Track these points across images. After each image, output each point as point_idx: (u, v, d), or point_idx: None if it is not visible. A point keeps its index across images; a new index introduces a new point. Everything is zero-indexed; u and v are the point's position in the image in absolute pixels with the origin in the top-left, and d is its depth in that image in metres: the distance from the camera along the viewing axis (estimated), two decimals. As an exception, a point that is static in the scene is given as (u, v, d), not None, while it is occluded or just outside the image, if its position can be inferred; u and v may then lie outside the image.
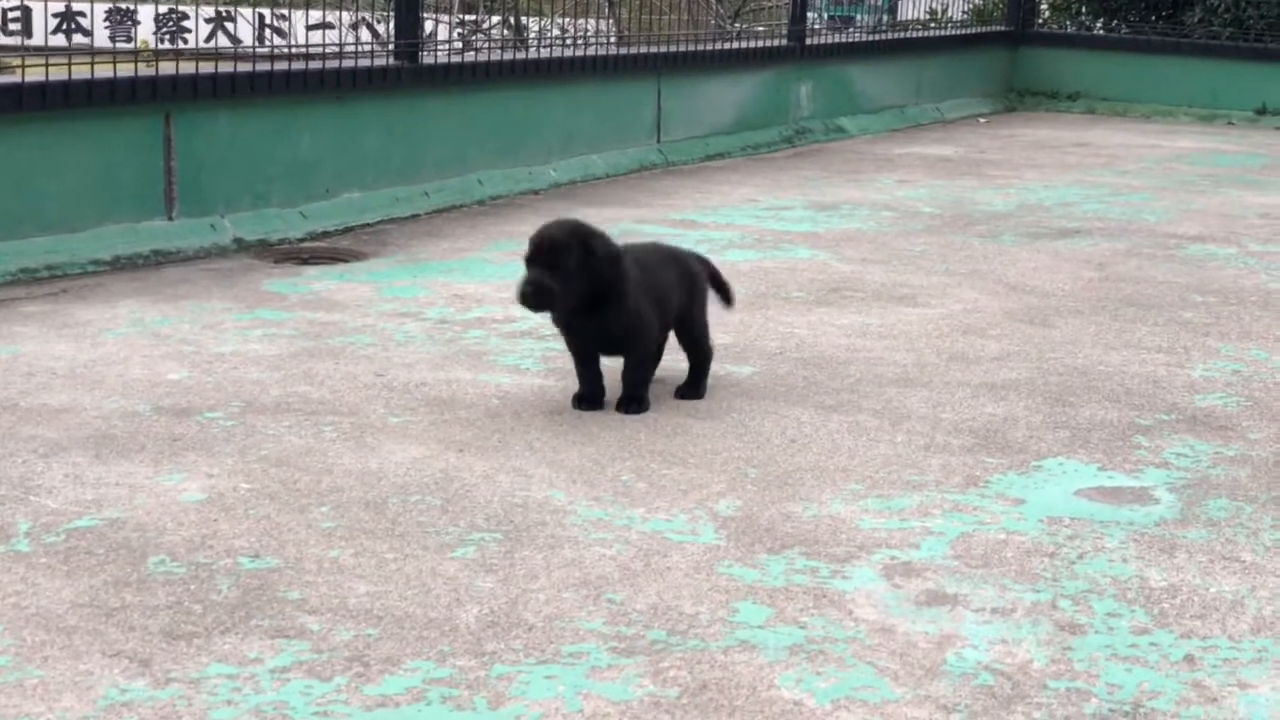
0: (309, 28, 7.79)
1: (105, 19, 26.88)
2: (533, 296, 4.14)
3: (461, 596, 3.08)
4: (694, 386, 4.53)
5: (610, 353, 4.40)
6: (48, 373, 4.60)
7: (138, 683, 2.68)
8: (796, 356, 5.02)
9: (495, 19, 13.72)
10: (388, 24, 8.47)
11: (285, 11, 10.67)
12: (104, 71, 6.45)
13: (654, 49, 9.85)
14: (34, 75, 6.16)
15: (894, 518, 3.59)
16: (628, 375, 4.37)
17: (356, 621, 2.96)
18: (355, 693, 2.67)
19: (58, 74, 6.27)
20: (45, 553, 3.24)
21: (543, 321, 5.36)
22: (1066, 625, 3.04)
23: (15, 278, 5.82)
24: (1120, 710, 2.71)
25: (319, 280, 6.10)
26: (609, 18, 13.70)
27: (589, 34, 10.40)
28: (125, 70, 6.54)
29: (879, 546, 3.41)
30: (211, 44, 7.86)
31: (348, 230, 7.17)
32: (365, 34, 10.26)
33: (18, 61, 6.35)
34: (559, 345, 5.06)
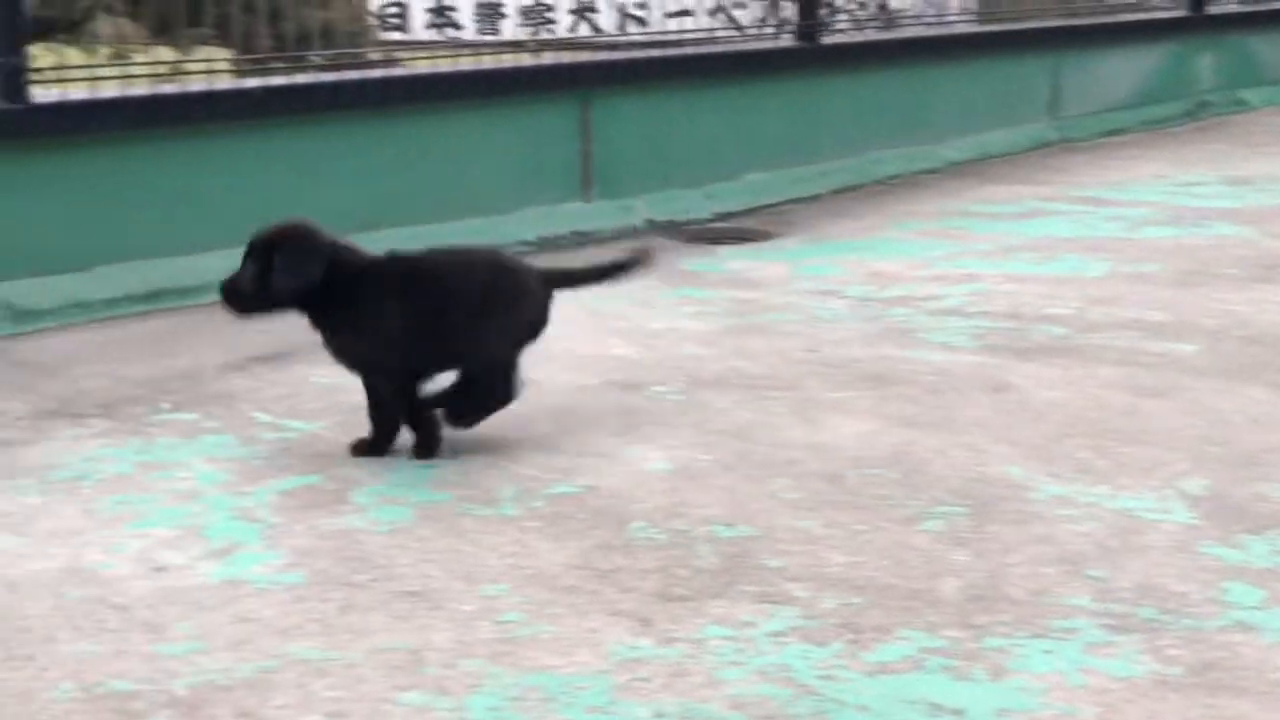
0: (667, 15, 7.89)
1: (475, 13, 27.90)
2: (222, 293, 3.79)
3: (938, 569, 3.10)
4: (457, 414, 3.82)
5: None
6: (499, 347, 4.80)
7: (643, 640, 2.78)
8: (1240, 335, 4.86)
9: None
10: (765, 6, 8.53)
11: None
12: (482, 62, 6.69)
13: (1048, 24, 9.66)
14: (440, 66, 6.43)
15: (1376, 500, 3.45)
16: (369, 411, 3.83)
17: (839, 590, 3.00)
18: (853, 659, 2.72)
19: (447, 65, 6.53)
20: (532, 517, 3.40)
21: (969, 299, 5.35)
22: None
23: (450, 258, 6.09)
24: None
25: (734, 259, 6.20)
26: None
27: (976, 10, 10.26)
28: (539, 59, 6.79)
29: (1365, 529, 3.28)
30: (618, 33, 8.07)
31: (752, 210, 7.27)
32: (744, 16, 10.32)
33: (417, 55, 6.63)
34: (988, 322, 5.04)
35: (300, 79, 6.03)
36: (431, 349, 3.77)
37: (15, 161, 5.10)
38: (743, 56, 7.57)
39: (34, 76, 5.18)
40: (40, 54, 5.58)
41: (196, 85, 5.76)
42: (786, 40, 7.95)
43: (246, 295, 3.74)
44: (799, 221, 7.05)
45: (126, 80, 5.58)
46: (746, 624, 2.86)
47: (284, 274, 3.69)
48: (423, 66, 6.21)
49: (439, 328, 3.74)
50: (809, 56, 7.85)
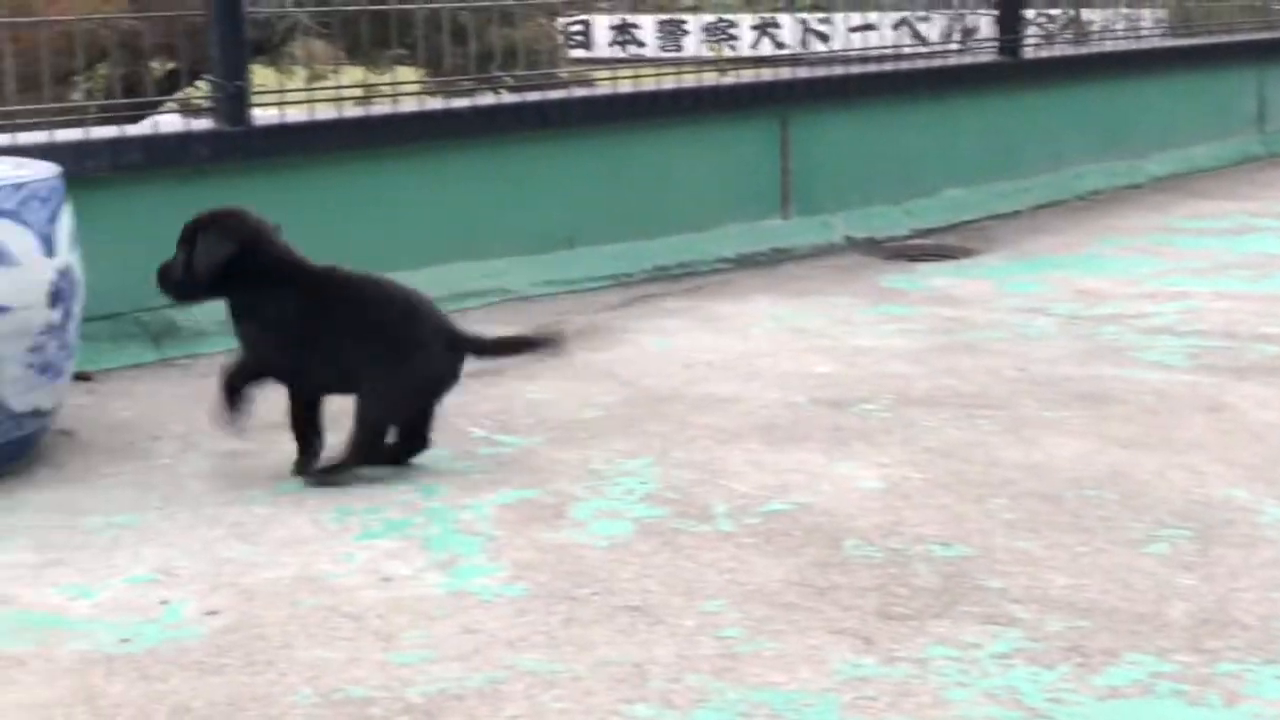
0: (851, 30, 7.86)
1: (657, 30, 28.08)
2: (156, 277, 3.84)
3: (1165, 592, 3.05)
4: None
5: None
6: (704, 364, 4.84)
7: (866, 659, 2.78)
8: None
9: (1058, 12, 13.47)
10: (941, 23, 8.45)
11: (827, 16, 10.86)
12: (681, 80, 6.72)
13: (1252, 36, 9.45)
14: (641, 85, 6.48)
15: None
16: None
17: (1064, 613, 2.97)
18: (1082, 682, 2.69)
19: (635, 84, 6.57)
20: (747, 533, 3.42)
21: (1181, 317, 5.26)
22: None
23: (652, 275, 6.15)
24: None
25: (935, 276, 6.16)
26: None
27: (1180, 22, 10.05)
28: (742, 77, 6.82)
29: None
30: (816, 49, 8.05)
31: (951, 227, 7.21)
32: (930, 31, 10.22)
33: (605, 74, 6.68)
34: (1202, 341, 4.95)
35: (507, 99, 6.13)
36: (319, 369, 3.79)
37: (235, 181, 5.26)
38: (943, 72, 7.53)
39: (254, 99, 5.34)
40: (258, 77, 5.75)
41: (405, 106, 5.88)
42: (986, 55, 7.87)
43: (173, 280, 3.81)
44: (1000, 238, 6.98)
45: (328, 102, 5.72)
46: (971, 645, 2.84)
47: (198, 255, 3.75)
48: (624, 85, 6.26)
49: (328, 351, 3.76)
50: (1009, 71, 7.78)
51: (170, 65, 11.56)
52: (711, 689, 2.68)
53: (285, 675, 2.76)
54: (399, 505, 3.64)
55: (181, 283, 3.81)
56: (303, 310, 3.77)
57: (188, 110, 8.95)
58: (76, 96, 11.56)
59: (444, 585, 3.17)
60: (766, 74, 6.87)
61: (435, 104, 6.02)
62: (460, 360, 3.85)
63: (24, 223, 3.71)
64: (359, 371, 3.75)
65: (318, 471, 3.81)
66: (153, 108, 6.67)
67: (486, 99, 6.29)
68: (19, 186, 3.72)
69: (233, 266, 3.75)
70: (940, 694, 2.65)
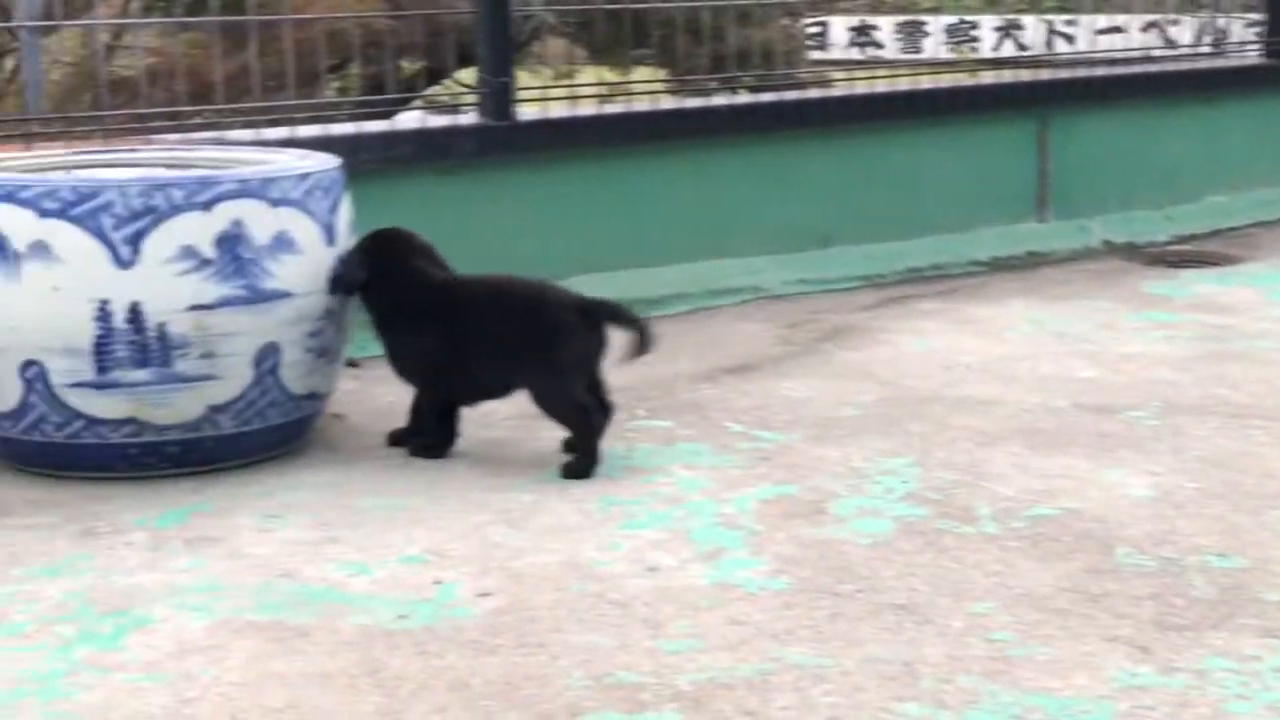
0: (1098, 32, 7.65)
1: (896, 31, 27.78)
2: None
3: None
4: (573, 460, 3.85)
5: None
6: (962, 367, 4.79)
7: (1143, 668, 2.73)
8: None
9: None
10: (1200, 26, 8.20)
11: (1073, 17, 10.61)
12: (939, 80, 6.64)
13: None
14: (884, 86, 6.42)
15: None
16: None
17: (1350, 629, 2.88)
18: (1372, 701, 2.60)
19: (896, 83, 6.50)
20: (1013, 537, 3.37)
21: None
22: None
23: (906, 276, 6.11)
24: None
25: (1199, 283, 6.00)
26: None
27: None
28: (1006, 77, 6.73)
29: None
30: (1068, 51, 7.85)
31: (1214, 233, 7.01)
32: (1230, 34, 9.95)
33: (844, 75, 6.63)
34: None
35: (766, 97, 6.14)
36: (467, 378, 3.91)
37: (499, 175, 5.38)
38: (1207, 74, 7.32)
39: (518, 96, 5.45)
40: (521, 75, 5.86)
41: (660, 104, 5.92)
42: (1251, 58, 7.64)
43: (332, 278, 3.91)
44: (1265, 245, 6.76)
45: (586, 99, 5.80)
46: (1251, 658, 2.77)
47: (341, 271, 3.90)
48: (881, 84, 6.22)
49: (474, 360, 3.87)
50: (1276, 75, 7.52)
51: (419, 65, 11.85)
52: (984, 691, 2.65)
53: (557, 658, 2.81)
54: (661, 497, 3.68)
55: (334, 282, 3.94)
56: (440, 327, 3.89)
57: (438, 107, 9.16)
58: (329, 93, 11.90)
59: (708, 576, 3.19)
60: (1025, 74, 6.76)
61: (693, 102, 6.06)
62: (601, 326, 3.89)
63: (308, 212, 3.84)
64: (516, 374, 3.85)
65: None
66: (403, 105, 6.85)
67: (744, 98, 6.31)
68: (304, 177, 3.86)
69: (374, 288, 3.94)
70: (1220, 706, 2.59)
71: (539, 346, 3.81)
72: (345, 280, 3.91)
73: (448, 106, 6.40)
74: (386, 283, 3.90)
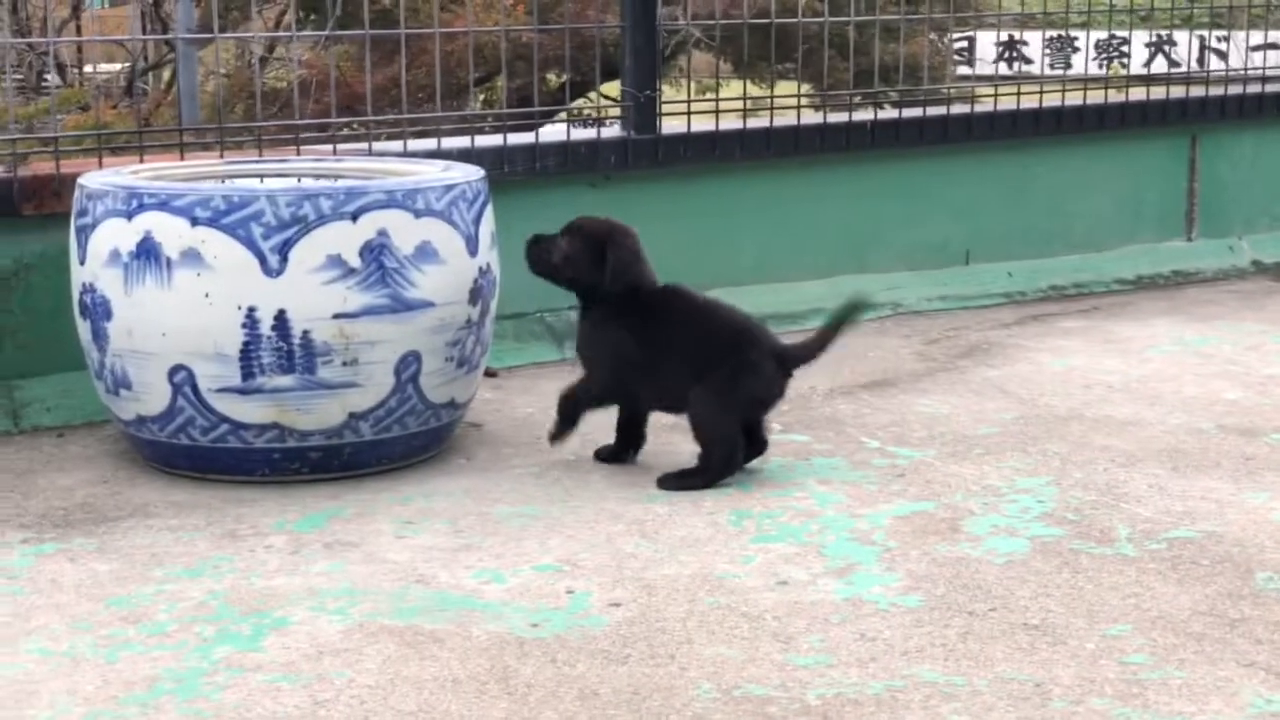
0: (1251, 49, 7.50)
1: (1045, 46, 27.49)
2: (529, 250, 4.00)
3: None
4: (681, 472, 3.89)
5: None
6: (1103, 386, 4.73)
7: (1279, 695, 2.68)
8: None
9: None
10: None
11: (1227, 33, 10.45)
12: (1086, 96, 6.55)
13: None
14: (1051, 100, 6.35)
15: None
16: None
17: None
18: None
19: (1052, 99, 6.42)
20: (1150, 558, 3.33)
21: None
22: None
23: (1047, 294, 6.05)
24: None
25: (1352, 305, 5.87)
26: None
27: None
28: (1155, 94, 6.64)
29: None
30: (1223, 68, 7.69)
31: (1368, 254, 6.85)
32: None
33: (993, 90, 6.55)
34: None
35: (908, 114, 6.11)
36: (654, 388, 3.91)
37: (642, 188, 5.42)
38: (1364, 91, 7.14)
39: (663, 109, 5.48)
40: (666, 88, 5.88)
41: (801, 118, 5.91)
42: None
43: (546, 261, 3.96)
44: None
45: (729, 113, 5.81)
46: (1395, 689, 2.71)
47: (615, 265, 3.88)
48: (1026, 100, 6.16)
49: (663, 372, 3.87)
50: None
51: (564, 77, 11.98)
52: (1115, 714, 2.62)
53: (686, 669, 2.83)
54: (794, 511, 3.68)
55: (553, 267, 3.97)
56: (642, 333, 3.90)
57: (583, 119, 9.23)
58: (475, 105, 12.07)
59: (840, 592, 3.19)
60: (1174, 90, 6.65)
61: (834, 117, 6.05)
62: (789, 377, 3.93)
63: (451, 222, 3.90)
64: (691, 393, 3.85)
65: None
66: (548, 118, 6.91)
67: (884, 113, 6.28)
68: (449, 189, 3.92)
69: (596, 277, 3.92)
70: (1363, 738, 2.54)
71: (724, 378, 3.84)
72: (620, 274, 3.90)
73: (593, 119, 6.44)
74: (614, 276, 3.90)
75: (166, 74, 14.58)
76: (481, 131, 5.39)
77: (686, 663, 2.86)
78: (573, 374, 4.12)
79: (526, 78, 7.70)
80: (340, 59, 11.69)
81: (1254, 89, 6.79)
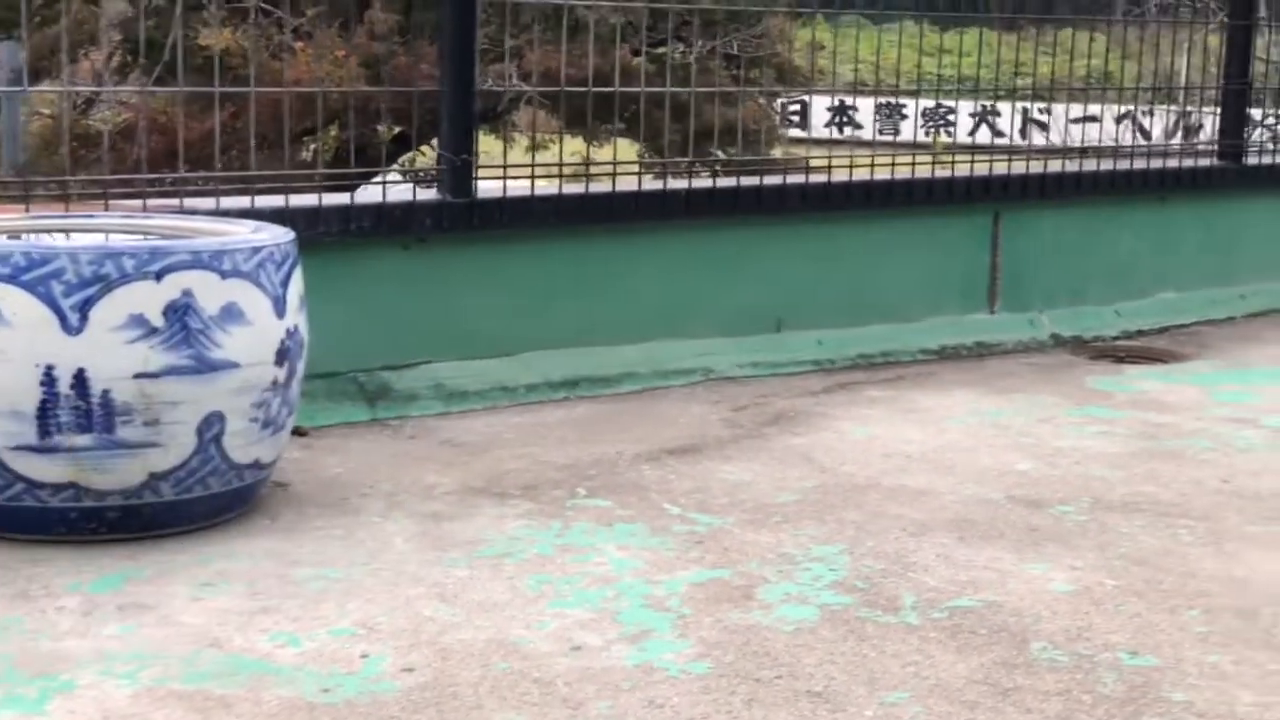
0: (1071, 121, 7.80)
1: (875, 113, 28.15)
2: None
3: (1358, 718, 3.00)
4: None
5: None
6: (902, 455, 4.86)
7: (1045, 764, 2.79)
8: None
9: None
10: (1179, 122, 8.36)
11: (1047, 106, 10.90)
12: (895, 171, 6.77)
13: None
14: (861, 174, 6.54)
15: None
16: None
17: (1250, 730, 2.95)
18: (1264, 803, 2.66)
19: (882, 173, 6.61)
20: (933, 628, 3.44)
21: (1397, 437, 5.14)
22: None
23: (855, 362, 6.20)
24: None
25: (1142, 379, 6.10)
26: None
27: None
28: (956, 170, 6.86)
29: None
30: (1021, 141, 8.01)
31: (1162, 330, 7.12)
32: (1131, 132, 10.13)
33: (822, 159, 6.73)
34: None
35: (723, 182, 6.24)
36: None
37: (456, 251, 5.46)
38: (1162, 174, 7.44)
39: (479, 173, 5.53)
40: (481, 145, 5.94)
41: (622, 183, 6.00)
42: (1205, 159, 7.78)
43: None
44: (1213, 344, 6.88)
45: (547, 178, 5.89)
46: (1152, 756, 2.83)
47: None
48: (839, 174, 6.32)
49: None
50: (1231, 177, 7.68)
51: (398, 129, 11.97)
52: (887, 780, 2.71)
53: (475, 735, 2.86)
54: (592, 577, 3.74)
55: None
56: None
57: (412, 175, 9.26)
58: (304, 156, 12.01)
59: (632, 658, 3.25)
60: (981, 168, 6.87)
61: (652, 184, 6.15)
62: None
63: (258, 284, 3.91)
64: None
65: None
66: (378, 172, 6.93)
67: (702, 181, 6.41)
68: (257, 250, 3.93)
69: None
70: (1118, 804, 2.65)
71: None
72: None
73: (414, 179, 6.49)
74: None
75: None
76: (298, 191, 5.40)
77: (475, 729, 2.89)
78: (383, 434, 4.14)
79: (358, 128, 7.71)
80: (164, 104, 11.58)
81: (1054, 168, 7.03)
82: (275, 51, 11.92)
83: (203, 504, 3.92)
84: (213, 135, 5.16)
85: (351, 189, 5.95)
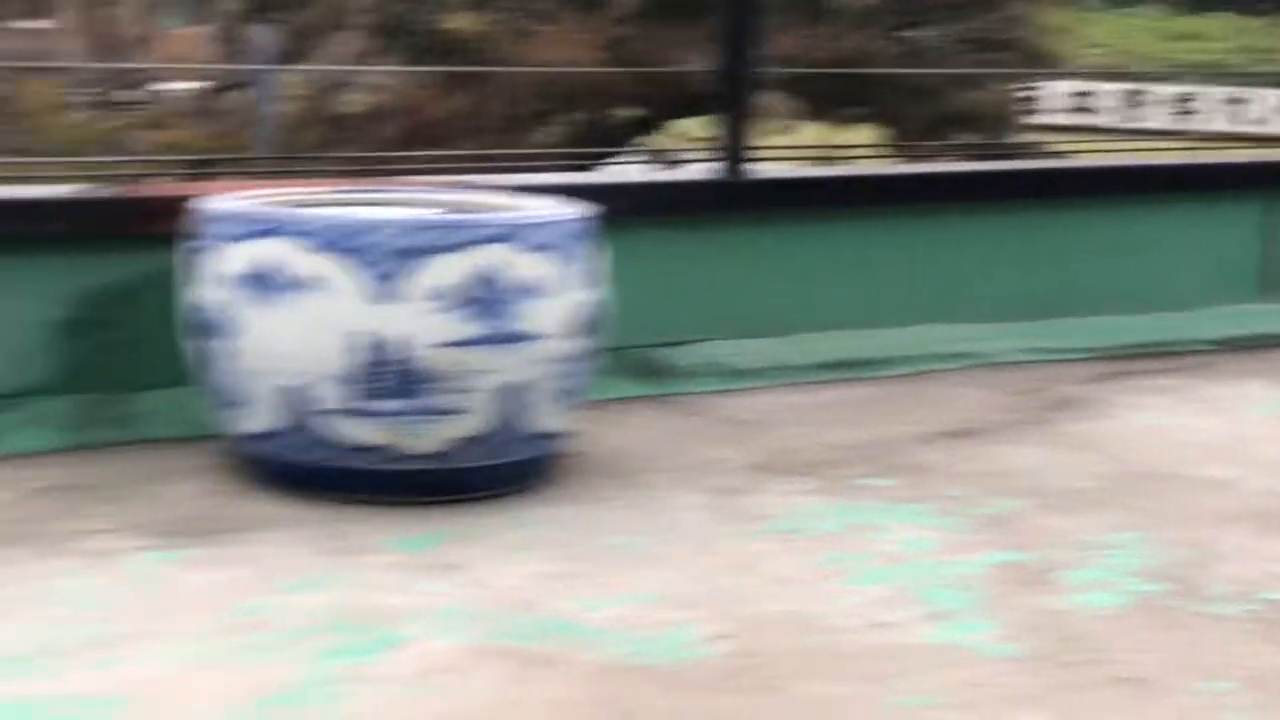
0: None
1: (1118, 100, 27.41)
2: None
3: None
4: None
5: None
6: (1194, 445, 4.74)
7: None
8: None
9: None
10: None
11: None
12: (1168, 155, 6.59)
13: None
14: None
15: None
16: None
17: None
18: None
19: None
20: (1248, 618, 3.36)
21: None
22: None
23: (1130, 351, 6.05)
24: None
25: None
26: None
27: None
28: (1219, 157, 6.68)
29: None
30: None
31: None
32: None
33: (1080, 145, 6.61)
34: None
35: (1002, 165, 6.17)
36: None
37: (732, 231, 5.49)
38: None
39: (750, 154, 5.55)
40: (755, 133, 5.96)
41: (889, 167, 5.98)
42: None
43: None
44: None
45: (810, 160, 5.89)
46: None
47: None
48: (1124, 158, 6.21)
49: None
50: None
51: (641, 112, 12.06)
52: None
53: (792, 703, 2.88)
54: (885, 555, 3.73)
55: None
56: None
57: (663, 158, 9.33)
58: (540, 137, 12.17)
59: (938, 636, 3.23)
60: (1244, 155, 6.69)
61: (920, 167, 6.11)
62: None
63: (561, 258, 3.98)
64: None
65: None
66: (633, 151, 7.00)
67: (971, 165, 6.35)
68: (560, 225, 4.00)
69: None
70: None
71: None
72: None
73: (676, 160, 6.53)
74: None
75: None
76: (561, 169, 5.47)
77: (789, 699, 2.91)
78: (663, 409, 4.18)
79: (594, 111, 7.81)
80: (412, 85, 11.84)
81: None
82: (517, 35, 12.15)
83: (504, 470, 4.00)
84: (456, 116, 5.26)
85: (602, 168, 6.02)
